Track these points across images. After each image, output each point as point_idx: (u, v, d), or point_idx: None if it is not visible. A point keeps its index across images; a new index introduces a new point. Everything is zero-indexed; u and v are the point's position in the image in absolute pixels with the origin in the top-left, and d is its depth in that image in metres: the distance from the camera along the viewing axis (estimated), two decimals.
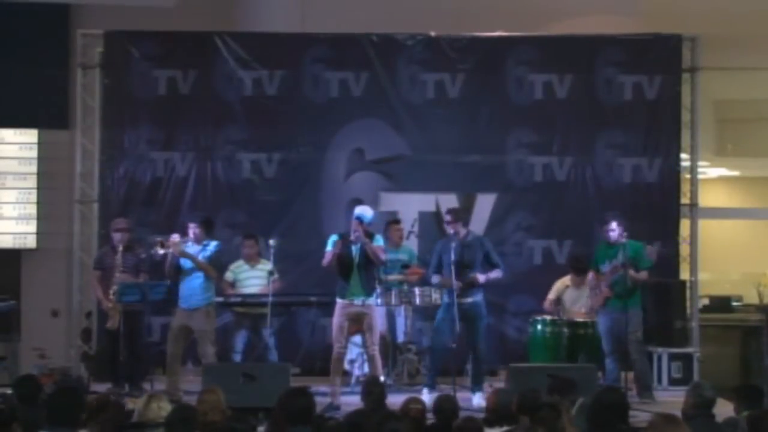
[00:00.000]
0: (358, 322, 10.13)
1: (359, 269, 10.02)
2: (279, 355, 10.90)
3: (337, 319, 10.12)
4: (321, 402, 9.28)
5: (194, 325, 10.41)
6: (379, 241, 10.20)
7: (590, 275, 10.75)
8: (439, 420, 6.97)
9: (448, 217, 10.49)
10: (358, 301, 10.05)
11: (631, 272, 10.37)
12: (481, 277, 10.27)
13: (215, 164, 12.30)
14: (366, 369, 10.72)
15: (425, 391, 10.09)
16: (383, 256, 10.18)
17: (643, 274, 10.54)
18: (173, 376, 10.40)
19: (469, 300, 10.25)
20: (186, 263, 10.42)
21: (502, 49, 12.39)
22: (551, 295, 11.35)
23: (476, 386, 10.29)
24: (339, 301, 10.13)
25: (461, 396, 9.49)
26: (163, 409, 6.47)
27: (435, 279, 10.53)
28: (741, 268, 15.90)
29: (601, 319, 10.60)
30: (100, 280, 10.90)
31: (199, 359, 10.55)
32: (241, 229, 11.98)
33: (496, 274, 10.40)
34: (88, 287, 11.90)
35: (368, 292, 10.10)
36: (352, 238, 9.98)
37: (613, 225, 10.50)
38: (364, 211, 10.16)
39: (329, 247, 10.08)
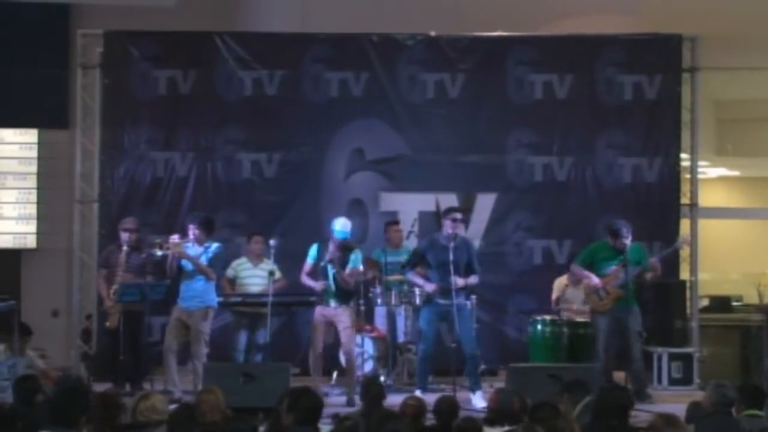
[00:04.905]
0: (332, 324, 10.36)
1: (334, 279, 10.24)
2: (279, 356, 10.86)
3: (314, 320, 10.40)
4: None
5: (191, 323, 10.41)
6: (357, 259, 10.33)
7: (597, 280, 10.48)
8: (439, 421, 6.95)
9: (457, 216, 10.44)
10: (332, 304, 10.29)
11: (647, 275, 10.51)
12: (460, 281, 10.12)
13: (215, 164, 12.29)
14: (365, 369, 10.77)
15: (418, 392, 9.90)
16: (351, 280, 10.30)
17: (649, 275, 10.64)
18: (168, 371, 10.38)
19: (456, 302, 10.17)
20: (187, 264, 10.41)
21: (502, 49, 12.38)
22: (554, 295, 11.36)
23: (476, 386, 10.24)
24: (317, 306, 10.38)
25: (461, 396, 9.48)
26: (157, 408, 6.45)
27: (412, 276, 10.46)
28: (741, 268, 15.90)
29: (605, 319, 10.47)
30: (106, 278, 10.89)
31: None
32: (241, 230, 11.97)
33: (474, 279, 10.31)
34: (89, 287, 11.91)
35: (340, 299, 10.30)
36: (327, 259, 10.21)
37: (624, 232, 10.39)
38: (344, 226, 10.30)
39: (309, 260, 10.36)
